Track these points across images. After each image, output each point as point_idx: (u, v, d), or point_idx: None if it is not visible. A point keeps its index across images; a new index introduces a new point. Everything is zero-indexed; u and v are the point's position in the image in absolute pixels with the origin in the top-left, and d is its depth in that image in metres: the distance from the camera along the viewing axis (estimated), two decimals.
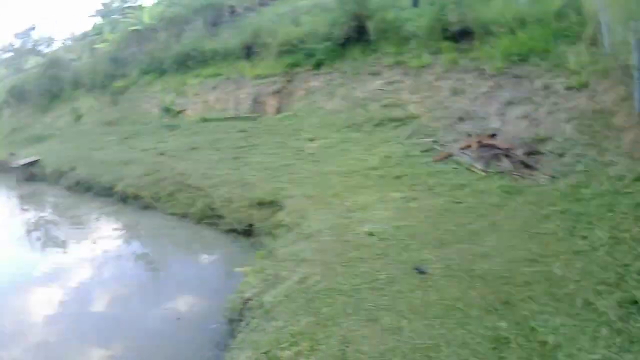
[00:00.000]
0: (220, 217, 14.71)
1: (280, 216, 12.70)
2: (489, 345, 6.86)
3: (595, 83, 14.01)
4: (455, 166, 13.81)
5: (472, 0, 20.29)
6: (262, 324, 8.13)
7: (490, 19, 18.82)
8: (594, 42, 15.08)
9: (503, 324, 7.22)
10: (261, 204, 13.92)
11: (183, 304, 10.96)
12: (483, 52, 18.22)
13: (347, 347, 7.06)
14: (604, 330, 6.93)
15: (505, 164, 13.16)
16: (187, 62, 32.22)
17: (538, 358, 6.58)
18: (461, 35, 19.64)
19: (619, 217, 9.49)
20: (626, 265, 8.14)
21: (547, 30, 16.93)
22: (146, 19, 39.77)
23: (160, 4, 44.24)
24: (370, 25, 22.56)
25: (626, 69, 12.45)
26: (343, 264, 9.22)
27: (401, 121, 18.22)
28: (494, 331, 7.10)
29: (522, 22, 17.92)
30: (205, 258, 13.68)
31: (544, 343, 6.82)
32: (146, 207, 17.71)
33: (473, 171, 13.31)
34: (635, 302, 7.33)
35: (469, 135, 15.17)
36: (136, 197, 18.34)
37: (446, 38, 20.01)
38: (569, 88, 14.57)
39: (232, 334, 8.82)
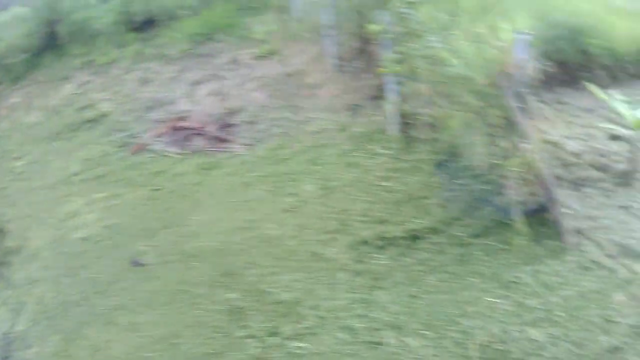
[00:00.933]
0: None
1: (7, 242, 11.67)
2: (227, 318, 6.76)
3: (284, 48, 14.28)
4: (151, 155, 13.26)
5: None
6: (23, 355, 7.58)
7: (174, 3, 18.65)
8: (283, 9, 15.30)
9: (234, 295, 7.11)
10: None
11: None
12: (167, 37, 17.96)
13: (98, 355, 6.77)
14: (342, 276, 7.00)
15: (199, 142, 12.92)
16: None
17: (281, 317, 6.54)
18: (146, 25, 19.10)
19: (326, 169, 9.61)
20: (345, 210, 8.25)
21: (232, 6, 17.05)
22: None
23: None
24: (62, 29, 21.14)
25: (315, 30, 12.77)
26: (68, 275, 8.77)
27: (95, 121, 17.13)
28: (227, 304, 6.99)
29: (207, 2, 17.97)
30: None
31: (280, 302, 6.78)
32: None
33: (169, 156, 12.87)
34: (366, 242, 7.47)
35: (161, 122, 14.43)
36: None
37: (132, 30, 19.31)
38: (256, 58, 14.70)
39: None
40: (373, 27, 9.62)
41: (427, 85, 9.13)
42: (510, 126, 7.70)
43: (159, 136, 13.63)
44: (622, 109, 8.25)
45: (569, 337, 5.66)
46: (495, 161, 7.80)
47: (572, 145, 8.79)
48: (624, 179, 8.02)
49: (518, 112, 7.56)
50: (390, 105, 9.70)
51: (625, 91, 9.32)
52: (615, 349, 5.45)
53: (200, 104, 14.23)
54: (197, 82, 15.05)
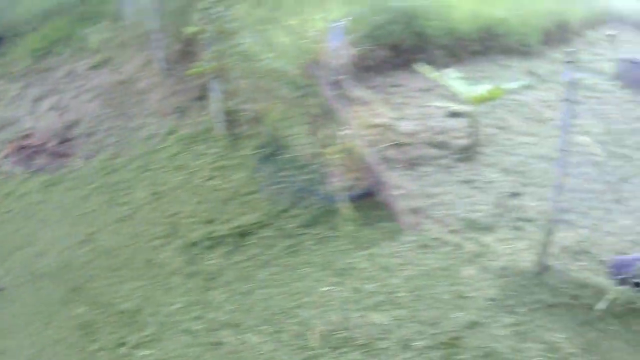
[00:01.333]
0: None
1: None
2: (79, 333, 6.78)
3: (116, 57, 14.14)
4: (1, 177, 12.94)
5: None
6: None
7: (17, 19, 18.03)
8: (117, 18, 15.10)
9: (82, 310, 7.15)
10: None
11: None
12: (13, 54, 17.30)
13: None
14: (176, 279, 7.14)
15: (41, 159, 12.75)
16: None
17: (125, 327, 6.60)
18: None
19: (157, 173, 9.69)
20: (174, 214, 8.41)
21: (70, 17, 16.69)
22: None
23: None
24: None
25: (145, 35, 12.71)
26: None
27: None
28: (76, 319, 7.02)
29: (46, 16, 17.44)
30: None
31: (123, 312, 6.85)
32: None
33: (16, 177, 12.60)
34: (195, 243, 7.63)
35: (9, 142, 14.00)
36: None
37: None
38: (91, 68, 14.50)
39: None
40: (191, 29, 9.75)
41: (245, 81, 9.32)
42: (328, 114, 7.92)
43: (6, 157, 13.37)
44: (458, 86, 8.43)
45: (417, 317, 5.59)
46: (317, 150, 7.95)
47: (406, 126, 8.81)
48: (465, 154, 8.20)
49: (334, 100, 7.78)
50: (215, 105, 9.80)
51: (467, 68, 9.75)
52: (474, 324, 5.38)
53: (42, 119, 14.04)
54: (39, 98, 14.83)
